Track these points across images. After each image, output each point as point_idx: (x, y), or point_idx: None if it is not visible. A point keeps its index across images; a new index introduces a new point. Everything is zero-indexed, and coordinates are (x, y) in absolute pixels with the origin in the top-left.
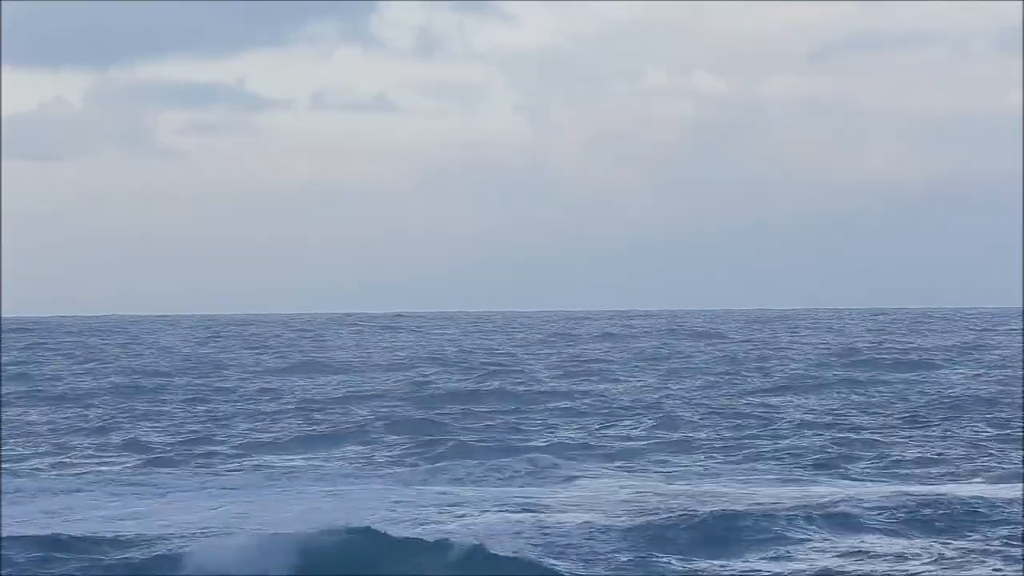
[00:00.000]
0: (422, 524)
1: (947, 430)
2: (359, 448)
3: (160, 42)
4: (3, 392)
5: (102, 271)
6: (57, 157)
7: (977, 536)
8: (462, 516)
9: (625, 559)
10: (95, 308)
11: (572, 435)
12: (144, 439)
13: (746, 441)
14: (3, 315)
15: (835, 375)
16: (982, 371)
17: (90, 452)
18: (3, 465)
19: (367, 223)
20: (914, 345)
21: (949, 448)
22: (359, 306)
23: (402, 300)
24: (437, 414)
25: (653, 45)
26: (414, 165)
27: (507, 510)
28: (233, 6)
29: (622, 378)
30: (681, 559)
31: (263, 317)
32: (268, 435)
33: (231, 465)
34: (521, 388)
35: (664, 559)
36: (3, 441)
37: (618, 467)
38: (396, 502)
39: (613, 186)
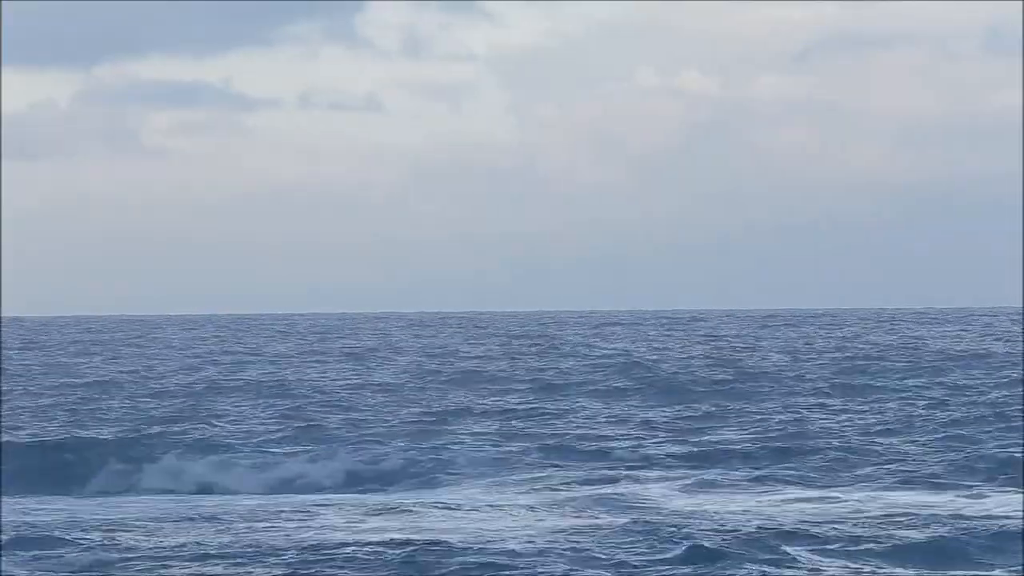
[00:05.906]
0: None
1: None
2: None
3: (145, 41)
4: None
5: (88, 271)
6: (43, 157)
7: None
8: None
9: None
10: (81, 308)
11: None
12: None
13: None
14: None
15: None
16: None
17: None
18: None
19: (356, 224)
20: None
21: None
22: (350, 307)
23: (394, 301)
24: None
25: (642, 45)
26: (403, 165)
27: None
28: (218, 6)
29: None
30: None
31: (251, 318)
32: None
33: None
34: None
35: None
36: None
37: None
38: None
39: (603, 186)
